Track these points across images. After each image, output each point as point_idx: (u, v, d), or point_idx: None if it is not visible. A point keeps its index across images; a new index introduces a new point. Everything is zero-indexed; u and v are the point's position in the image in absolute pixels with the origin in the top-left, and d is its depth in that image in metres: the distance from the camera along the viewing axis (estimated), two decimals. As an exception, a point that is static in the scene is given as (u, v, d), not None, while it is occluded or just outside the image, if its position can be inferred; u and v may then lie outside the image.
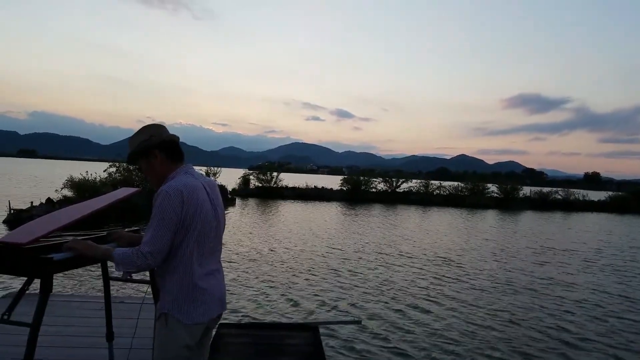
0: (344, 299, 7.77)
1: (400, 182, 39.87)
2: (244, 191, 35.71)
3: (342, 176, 41.73)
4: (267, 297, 7.65)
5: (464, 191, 40.43)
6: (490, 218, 26.98)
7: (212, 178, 26.36)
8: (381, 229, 18.33)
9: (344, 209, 27.95)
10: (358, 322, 6.36)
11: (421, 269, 10.59)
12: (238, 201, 29.41)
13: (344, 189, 38.02)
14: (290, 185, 37.88)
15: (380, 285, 8.78)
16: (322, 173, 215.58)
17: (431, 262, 11.42)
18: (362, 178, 39.22)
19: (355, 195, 36.68)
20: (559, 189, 45.13)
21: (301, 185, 38.00)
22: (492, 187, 41.86)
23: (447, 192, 40.10)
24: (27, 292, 2.25)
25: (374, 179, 39.86)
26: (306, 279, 9.04)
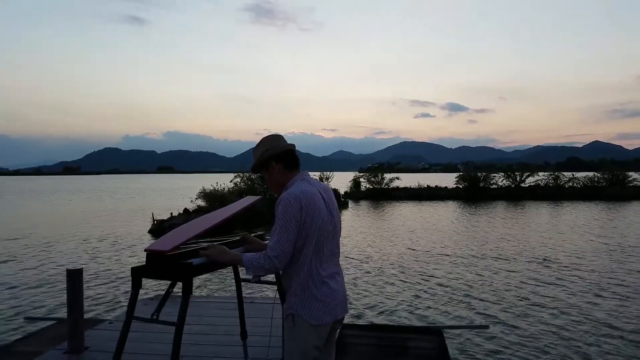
0: (465, 302, 7.43)
1: (525, 176, 36.75)
2: (355, 194, 36.03)
3: (457, 173, 39.89)
4: (385, 299, 7.61)
5: (601, 182, 36.04)
6: (633, 211, 23.70)
7: (326, 183, 27.07)
8: (503, 228, 17.17)
9: (461, 208, 26.67)
10: (485, 327, 6.01)
11: (545, 271, 9.71)
12: (350, 204, 29.74)
13: (460, 186, 36.24)
14: (402, 185, 37.30)
15: (505, 290, 8.22)
16: (435, 171, 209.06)
17: (561, 266, 10.35)
18: (480, 174, 37.02)
19: (473, 192, 34.64)
20: None
21: (413, 185, 37.18)
22: (636, 175, 36.77)
23: (581, 184, 36.03)
24: (171, 294, 2.51)
25: (494, 174, 37.34)
26: (423, 281, 8.82)
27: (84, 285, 4.11)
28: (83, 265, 9.23)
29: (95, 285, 8.73)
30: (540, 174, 37.88)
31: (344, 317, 2.29)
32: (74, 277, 3.89)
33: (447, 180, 41.99)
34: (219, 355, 3.84)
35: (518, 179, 36.61)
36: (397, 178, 37.75)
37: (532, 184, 36.33)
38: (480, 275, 9.30)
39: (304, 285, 2.14)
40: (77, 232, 16.93)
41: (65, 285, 4.06)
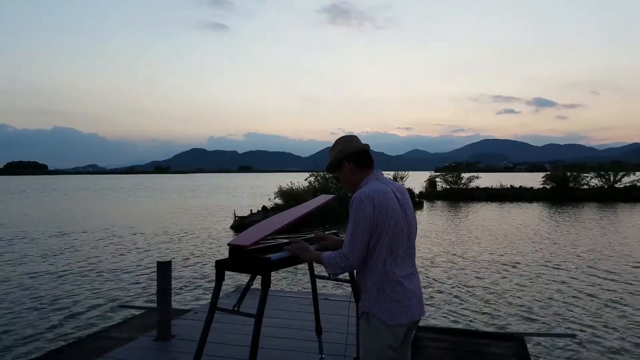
0: (545, 310, 6.98)
1: (620, 176, 33.68)
2: (431, 194, 35.06)
3: (545, 173, 37.40)
4: (459, 303, 7.39)
5: None
6: None
7: (400, 182, 26.76)
8: (594, 232, 15.85)
9: (547, 210, 24.95)
10: (572, 337, 5.63)
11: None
12: (425, 204, 29.02)
13: (547, 187, 33.93)
14: (482, 185, 35.67)
15: (590, 299, 7.62)
16: (519, 171, 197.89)
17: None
18: (569, 174, 34.43)
19: (561, 193, 32.27)
20: None
21: (494, 185, 35.41)
22: None
23: (687, 185, 32.29)
24: (251, 287, 2.64)
25: (585, 174, 34.54)
26: (500, 286, 8.42)
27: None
28: (171, 258, 9.95)
29: (181, 277, 9.32)
30: (638, 173, 34.46)
31: (420, 318, 2.26)
32: (164, 269, 4.17)
33: (533, 180, 39.51)
34: (295, 349, 3.95)
35: (612, 179, 33.64)
36: (476, 177, 36.25)
37: (628, 184, 33.18)
38: (562, 283, 8.69)
39: (379, 284, 2.14)
40: (167, 226, 18.18)
41: (155, 276, 4.35)
